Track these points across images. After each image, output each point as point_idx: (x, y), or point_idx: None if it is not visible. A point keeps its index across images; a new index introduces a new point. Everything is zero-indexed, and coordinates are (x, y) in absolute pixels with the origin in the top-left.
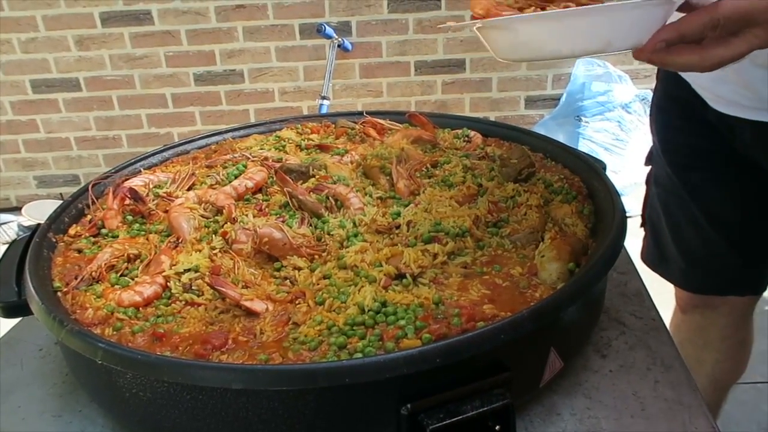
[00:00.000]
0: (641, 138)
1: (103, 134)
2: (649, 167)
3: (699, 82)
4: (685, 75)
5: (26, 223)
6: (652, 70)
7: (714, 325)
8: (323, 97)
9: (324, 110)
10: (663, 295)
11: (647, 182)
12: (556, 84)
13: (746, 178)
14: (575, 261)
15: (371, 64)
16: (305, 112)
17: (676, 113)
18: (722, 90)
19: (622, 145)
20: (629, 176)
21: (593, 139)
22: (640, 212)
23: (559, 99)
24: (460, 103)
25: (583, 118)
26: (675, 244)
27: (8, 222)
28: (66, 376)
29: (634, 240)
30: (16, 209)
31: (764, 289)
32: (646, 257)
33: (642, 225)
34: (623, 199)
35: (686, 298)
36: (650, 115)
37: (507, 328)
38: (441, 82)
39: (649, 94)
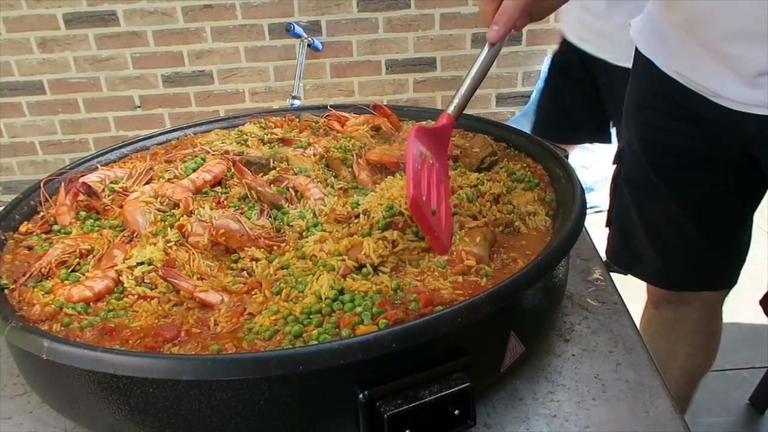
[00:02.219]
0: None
1: (69, 138)
2: (616, 166)
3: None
4: (689, 71)
5: None
6: None
7: (686, 319)
8: (294, 97)
9: None
10: (629, 289)
11: (614, 181)
12: (526, 81)
13: (735, 175)
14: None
15: (342, 63)
16: None
17: (660, 110)
18: (729, 89)
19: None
20: (599, 172)
21: None
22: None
23: (529, 96)
24: (432, 101)
25: None
26: (650, 244)
27: None
28: (17, 378)
29: (602, 233)
30: None
31: (735, 283)
32: (614, 259)
33: (607, 225)
34: (594, 194)
35: (659, 294)
36: (625, 113)
37: (464, 311)
38: (413, 80)
39: None
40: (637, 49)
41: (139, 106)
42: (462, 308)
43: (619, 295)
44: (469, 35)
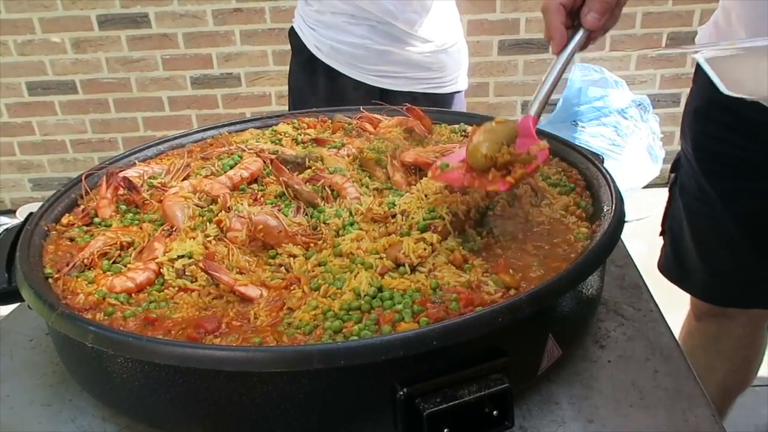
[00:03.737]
0: (637, 143)
1: (98, 137)
2: (673, 174)
3: None
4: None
5: None
6: (648, 75)
7: (730, 335)
8: None
9: None
10: (671, 298)
11: (670, 190)
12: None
13: None
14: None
15: None
16: None
17: (718, 120)
18: None
19: (619, 150)
20: (625, 182)
21: (589, 144)
22: (636, 218)
23: (555, 104)
24: None
25: (579, 123)
26: (698, 255)
27: (2, 225)
28: (56, 366)
29: (633, 244)
30: (10, 212)
31: None
32: (664, 268)
33: (661, 234)
34: None
35: (703, 307)
36: (683, 121)
37: (505, 311)
38: None
39: (645, 100)
40: None
41: None
42: (503, 309)
43: (655, 303)
44: (496, 42)
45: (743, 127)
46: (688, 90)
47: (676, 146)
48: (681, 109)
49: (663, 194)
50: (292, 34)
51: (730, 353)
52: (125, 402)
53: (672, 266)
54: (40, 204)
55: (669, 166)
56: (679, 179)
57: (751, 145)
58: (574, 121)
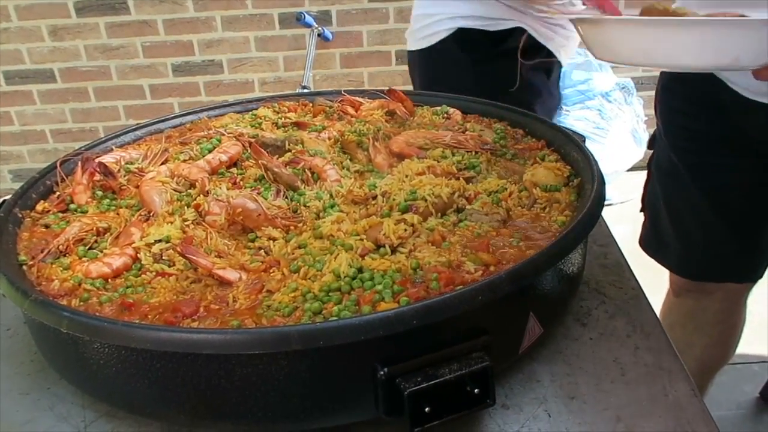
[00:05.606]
0: (621, 127)
1: (79, 126)
2: (651, 151)
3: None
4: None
5: None
6: None
7: (707, 309)
8: (304, 87)
9: None
10: (655, 279)
11: (648, 166)
12: None
13: (753, 164)
14: None
15: (352, 53)
16: None
17: (682, 95)
18: (742, 78)
19: (603, 133)
20: (609, 165)
21: (574, 127)
22: (621, 200)
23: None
24: None
25: (563, 106)
26: (673, 229)
27: None
28: (35, 356)
29: (618, 226)
30: None
31: (761, 276)
32: (644, 243)
33: (641, 210)
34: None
35: (680, 282)
36: (655, 96)
37: (485, 289)
38: None
39: (629, 83)
40: None
41: None
42: (483, 286)
43: (637, 281)
44: None
45: (707, 102)
46: None
47: None
48: None
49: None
50: None
51: (707, 328)
52: (103, 388)
53: (651, 241)
54: None
55: None
56: (656, 155)
57: (714, 119)
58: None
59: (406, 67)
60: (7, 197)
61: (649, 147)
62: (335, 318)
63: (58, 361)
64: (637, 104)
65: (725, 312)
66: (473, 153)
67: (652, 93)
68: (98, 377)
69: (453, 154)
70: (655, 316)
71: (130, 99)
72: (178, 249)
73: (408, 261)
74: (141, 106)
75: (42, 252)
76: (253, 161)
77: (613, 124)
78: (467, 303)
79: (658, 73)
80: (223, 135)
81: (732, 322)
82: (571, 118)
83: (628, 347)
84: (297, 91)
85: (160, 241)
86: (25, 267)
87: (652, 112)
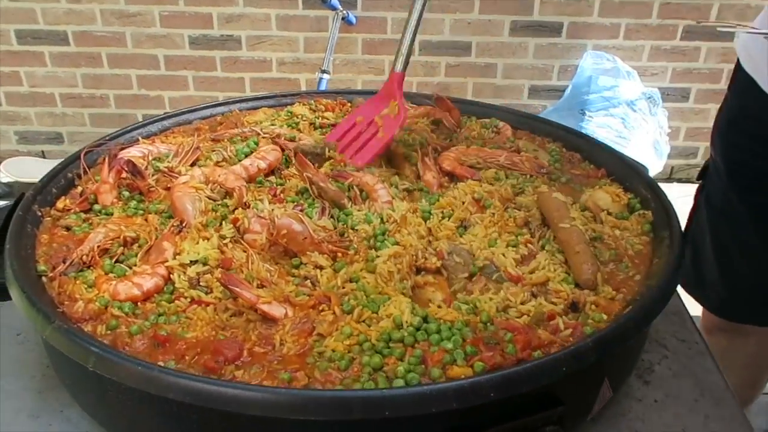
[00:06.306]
0: (644, 137)
1: (89, 92)
2: (699, 183)
3: None
4: None
5: (4, 180)
6: (659, 68)
7: (739, 351)
8: (323, 71)
9: (323, 85)
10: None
11: (695, 198)
12: (562, 75)
13: None
14: None
15: (375, 40)
16: (303, 85)
17: (752, 131)
18: None
19: (624, 143)
20: None
21: (595, 134)
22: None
23: (564, 90)
24: (462, 87)
25: (587, 112)
26: (719, 269)
27: None
28: (47, 368)
29: None
30: None
31: None
32: (683, 280)
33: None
34: None
35: (715, 321)
36: (715, 129)
37: (569, 359)
38: (445, 64)
39: (656, 93)
40: (738, 64)
41: None
42: (567, 356)
43: (699, 334)
44: (508, 22)
45: None
46: (699, 85)
47: (682, 142)
48: (690, 104)
49: (666, 189)
50: None
51: (739, 369)
52: (125, 426)
53: (691, 278)
54: (25, 159)
55: (673, 162)
56: (706, 189)
57: None
58: (582, 110)
59: (427, 58)
60: (16, 163)
61: (699, 178)
62: (401, 380)
63: (75, 389)
64: (661, 115)
65: (758, 355)
66: (528, 176)
67: (678, 105)
68: (122, 417)
69: (506, 176)
70: (724, 378)
71: (144, 68)
72: (221, 279)
73: (484, 304)
74: (154, 77)
75: (63, 262)
76: (294, 170)
77: (635, 133)
78: (549, 375)
79: (685, 85)
80: (259, 135)
81: (764, 365)
82: (593, 124)
83: (697, 415)
84: (334, 89)
85: (196, 262)
86: (44, 279)
87: (676, 124)
